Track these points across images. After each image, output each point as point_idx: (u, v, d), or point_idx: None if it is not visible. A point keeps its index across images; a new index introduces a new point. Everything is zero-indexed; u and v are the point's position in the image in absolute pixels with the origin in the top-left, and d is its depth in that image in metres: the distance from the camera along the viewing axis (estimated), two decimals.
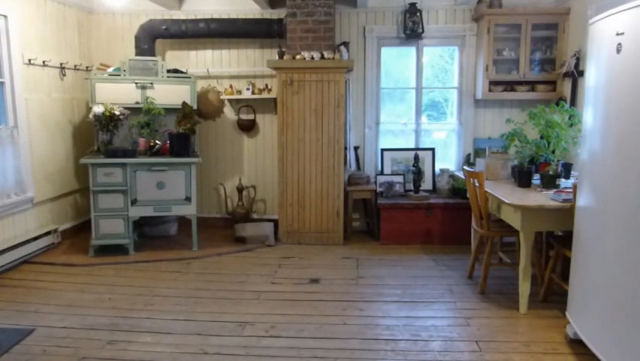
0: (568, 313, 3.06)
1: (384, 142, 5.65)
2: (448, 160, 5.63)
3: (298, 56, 4.91)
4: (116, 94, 4.92)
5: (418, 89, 5.55)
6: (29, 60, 4.58)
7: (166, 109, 4.90)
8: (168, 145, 4.83)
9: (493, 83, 5.15)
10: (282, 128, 5.03)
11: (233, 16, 5.48)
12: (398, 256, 4.78)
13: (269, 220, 5.56)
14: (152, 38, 5.33)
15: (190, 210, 4.82)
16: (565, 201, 3.24)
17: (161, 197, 4.74)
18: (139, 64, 5.02)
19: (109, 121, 4.72)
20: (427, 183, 5.47)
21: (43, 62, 4.78)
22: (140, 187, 4.68)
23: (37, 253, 4.62)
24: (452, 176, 5.34)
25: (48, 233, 4.80)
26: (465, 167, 4.61)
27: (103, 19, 5.67)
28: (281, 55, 4.99)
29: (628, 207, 2.37)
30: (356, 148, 5.53)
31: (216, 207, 5.86)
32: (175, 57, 5.65)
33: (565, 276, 3.31)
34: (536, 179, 3.95)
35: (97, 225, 4.64)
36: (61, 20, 5.14)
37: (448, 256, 4.78)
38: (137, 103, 4.96)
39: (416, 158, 5.19)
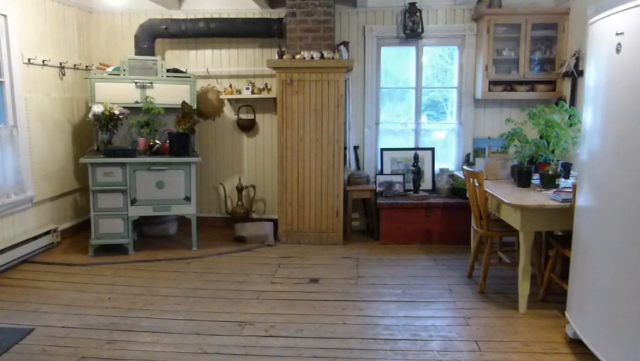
0: (567, 312, 3.06)
1: (384, 142, 5.65)
2: (448, 160, 5.63)
3: (298, 56, 4.91)
4: (115, 93, 4.92)
5: (418, 89, 5.55)
6: (29, 59, 4.58)
7: (166, 108, 4.90)
8: (168, 145, 4.83)
9: (493, 83, 5.15)
10: (282, 128, 5.03)
11: (233, 15, 5.48)
12: (398, 256, 4.78)
13: (268, 220, 5.57)
14: (151, 38, 5.33)
15: (189, 210, 4.82)
16: (564, 200, 3.24)
17: (161, 196, 4.74)
18: (138, 63, 5.01)
19: (108, 120, 4.72)
20: (426, 183, 5.48)
21: (43, 61, 4.78)
22: (140, 187, 4.68)
23: (36, 252, 4.61)
24: (452, 176, 5.34)
25: (47, 233, 4.80)
26: (464, 167, 4.61)
27: (103, 19, 5.67)
28: (280, 54, 4.99)
29: (627, 207, 2.37)
30: (356, 148, 5.53)
31: (216, 206, 5.86)
32: (175, 57, 5.65)
33: (564, 276, 3.31)
34: (536, 179, 3.95)
35: (96, 224, 4.64)
36: (61, 20, 5.13)
37: (447, 255, 4.78)
38: (136, 102, 4.95)
39: (416, 158, 5.19)
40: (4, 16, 4.31)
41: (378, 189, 5.35)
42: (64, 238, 5.10)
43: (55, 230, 4.91)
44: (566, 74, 4.80)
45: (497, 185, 3.93)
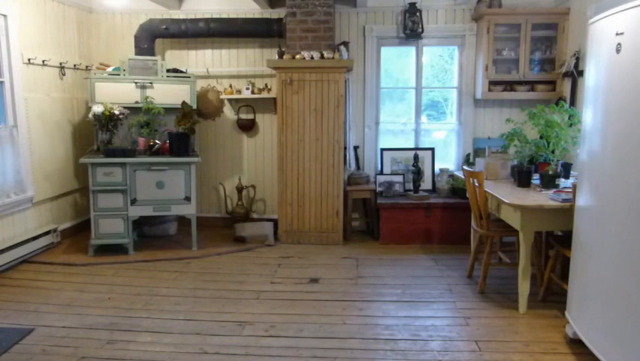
0: (567, 312, 3.06)
1: (384, 142, 5.65)
2: (448, 160, 5.63)
3: (298, 56, 4.91)
4: (115, 93, 4.92)
5: (418, 89, 5.55)
6: (29, 59, 4.58)
7: (166, 108, 4.90)
8: (168, 145, 4.83)
9: (493, 83, 5.15)
10: (282, 128, 5.03)
11: (233, 15, 5.48)
12: (398, 256, 4.78)
13: (268, 220, 5.56)
14: (151, 38, 5.33)
15: (190, 210, 4.82)
16: (564, 201, 3.24)
17: (161, 196, 4.74)
18: (139, 63, 5.01)
19: (108, 120, 4.72)
20: (426, 183, 5.48)
21: (43, 61, 4.78)
22: (140, 187, 4.68)
23: (36, 252, 4.61)
24: (452, 176, 5.34)
25: (47, 233, 4.80)
26: (464, 167, 4.61)
27: (103, 19, 5.67)
28: (280, 54, 4.99)
29: (627, 206, 2.37)
30: (356, 148, 5.53)
31: (216, 206, 5.86)
32: (175, 57, 5.65)
33: (564, 276, 3.31)
34: (536, 179, 3.95)
35: (96, 224, 4.64)
36: (61, 20, 5.13)
37: (447, 255, 4.78)
38: (136, 102, 4.95)
39: (416, 158, 5.19)
40: (4, 16, 4.31)
41: (378, 189, 5.35)
42: (64, 238, 5.10)
43: (55, 230, 4.91)
44: (566, 74, 4.80)
45: (497, 185, 3.93)
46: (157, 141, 4.86)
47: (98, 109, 4.68)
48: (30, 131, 4.62)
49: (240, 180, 5.68)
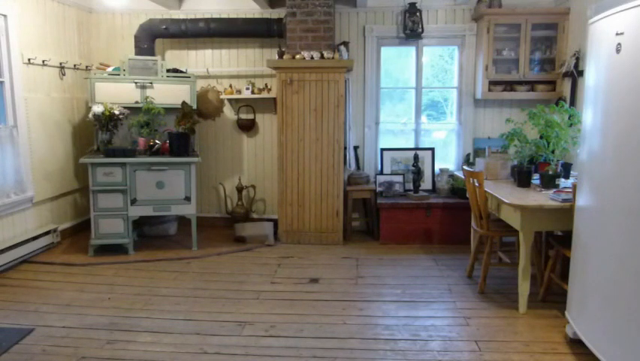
0: (567, 313, 3.06)
1: (384, 142, 5.65)
2: (448, 160, 5.63)
3: (298, 56, 4.91)
4: (115, 93, 4.92)
5: (418, 89, 5.55)
6: (29, 59, 4.58)
7: (166, 108, 4.90)
8: (168, 145, 4.83)
9: (493, 83, 5.15)
10: (282, 128, 5.03)
11: (232, 15, 5.49)
12: (398, 256, 4.78)
13: (268, 220, 5.57)
14: (151, 38, 5.33)
15: (189, 210, 4.82)
16: (564, 201, 3.24)
17: (161, 196, 4.74)
18: (139, 63, 5.01)
19: (108, 120, 4.72)
20: (426, 183, 5.48)
21: (43, 61, 4.78)
22: (140, 187, 4.68)
23: (36, 252, 4.62)
24: (452, 176, 5.34)
25: (47, 233, 4.80)
26: (464, 167, 4.61)
27: (102, 19, 5.67)
28: (280, 54, 4.99)
29: (627, 206, 2.37)
30: (356, 148, 5.53)
31: (216, 206, 5.86)
32: (175, 57, 5.65)
33: (564, 276, 3.31)
34: (536, 179, 3.95)
35: (96, 224, 4.64)
36: (61, 20, 5.13)
37: (447, 255, 4.78)
38: (136, 102, 4.95)
39: (416, 158, 5.19)
40: (4, 16, 4.31)
41: (378, 189, 5.35)
42: (64, 238, 5.10)
43: (55, 230, 4.91)
44: (566, 74, 4.80)
45: (497, 185, 3.93)
46: (157, 141, 4.86)
47: (98, 109, 4.68)
48: (30, 131, 4.62)
49: (240, 180, 5.69)
